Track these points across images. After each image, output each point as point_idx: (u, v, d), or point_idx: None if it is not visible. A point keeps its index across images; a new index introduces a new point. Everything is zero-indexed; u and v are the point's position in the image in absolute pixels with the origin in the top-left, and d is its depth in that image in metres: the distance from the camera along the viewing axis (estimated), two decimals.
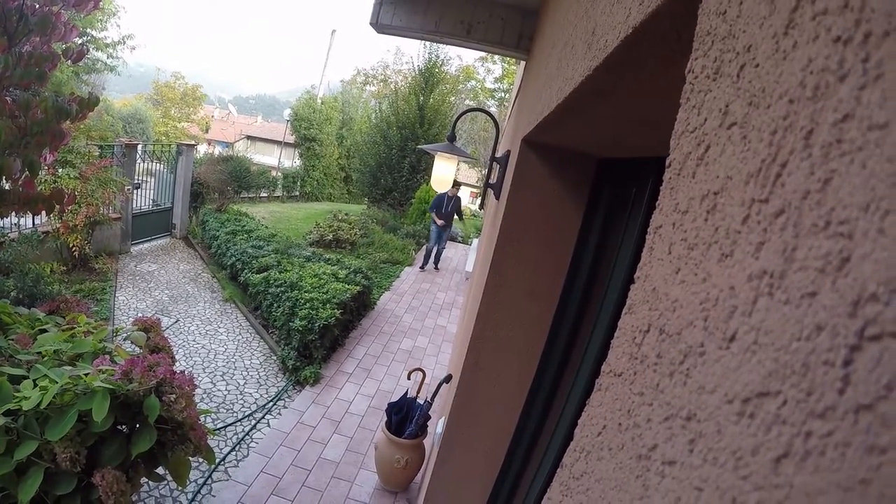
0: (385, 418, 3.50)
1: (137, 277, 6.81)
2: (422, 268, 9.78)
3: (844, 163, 0.21)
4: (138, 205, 8.22)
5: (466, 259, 10.23)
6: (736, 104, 0.31)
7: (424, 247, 10.31)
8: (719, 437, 0.26)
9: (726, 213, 0.30)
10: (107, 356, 2.16)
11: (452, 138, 3.22)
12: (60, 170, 5.85)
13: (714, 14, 0.36)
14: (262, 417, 4.16)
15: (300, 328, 4.96)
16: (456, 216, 9.89)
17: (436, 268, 10.01)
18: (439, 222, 9.33)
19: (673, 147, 0.40)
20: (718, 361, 0.27)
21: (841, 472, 0.18)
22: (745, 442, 0.24)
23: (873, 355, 0.18)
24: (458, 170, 3.87)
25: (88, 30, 13.24)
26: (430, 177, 3.65)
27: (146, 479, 2.21)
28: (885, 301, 0.18)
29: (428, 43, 13.37)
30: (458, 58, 33.91)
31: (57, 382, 1.89)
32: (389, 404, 3.53)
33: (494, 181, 2.54)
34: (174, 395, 2.05)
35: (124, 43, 14.26)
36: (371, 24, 2.91)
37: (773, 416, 0.22)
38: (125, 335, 2.73)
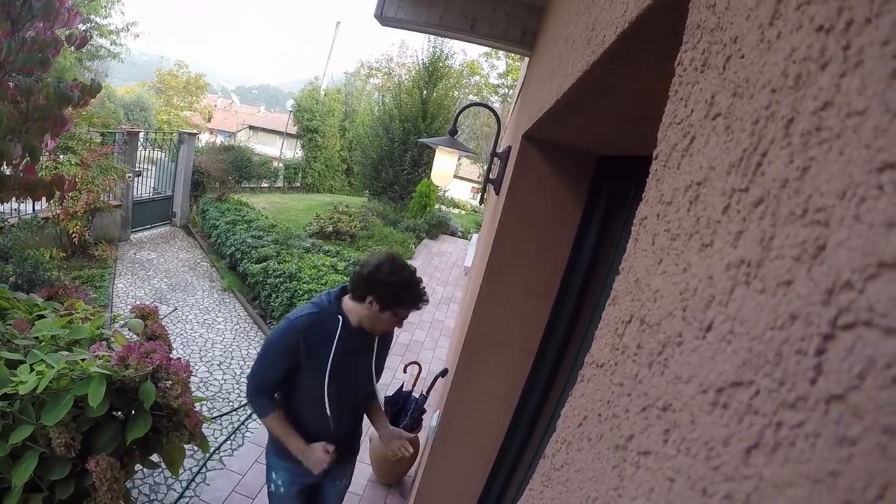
0: None
1: (136, 265, 6.81)
2: None
3: (823, 150, 0.21)
4: (139, 192, 8.21)
5: (466, 254, 10.18)
6: (721, 95, 0.31)
7: None
8: (693, 427, 0.26)
9: (708, 203, 0.30)
10: (104, 342, 2.16)
11: (454, 132, 3.21)
12: (62, 156, 5.86)
13: (704, 7, 0.36)
14: None
15: None
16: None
17: None
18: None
19: (660, 139, 0.40)
20: (695, 351, 0.27)
21: (810, 463, 0.18)
22: (718, 432, 0.24)
23: (846, 344, 0.18)
24: (459, 164, 3.86)
25: (92, 16, 13.20)
26: (430, 171, 3.64)
27: (141, 467, 2.21)
28: (860, 289, 0.18)
29: (432, 37, 13.32)
30: (463, 52, 33.83)
31: (53, 367, 1.89)
32: (385, 397, 3.54)
33: (495, 176, 2.54)
34: (170, 382, 2.06)
35: (128, 30, 14.22)
36: (376, 16, 2.89)
37: (746, 406, 0.22)
38: (123, 322, 2.73)
